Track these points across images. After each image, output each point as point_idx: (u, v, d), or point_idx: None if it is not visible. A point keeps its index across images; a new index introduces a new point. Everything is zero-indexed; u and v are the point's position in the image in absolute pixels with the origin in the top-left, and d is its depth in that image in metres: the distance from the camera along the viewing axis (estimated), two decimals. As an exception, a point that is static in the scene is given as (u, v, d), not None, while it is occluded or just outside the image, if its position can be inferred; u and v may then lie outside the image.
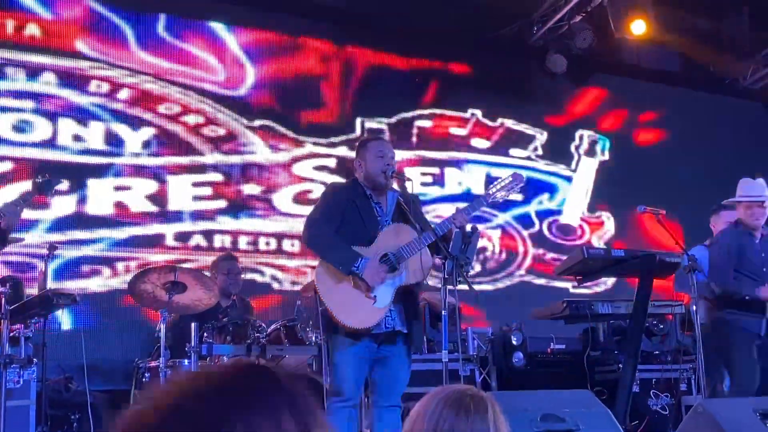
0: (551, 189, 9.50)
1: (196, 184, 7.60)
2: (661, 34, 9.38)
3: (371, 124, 8.61)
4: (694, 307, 5.47)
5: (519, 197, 9.00)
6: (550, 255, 9.21)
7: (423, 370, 6.36)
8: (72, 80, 7.21)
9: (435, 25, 8.83)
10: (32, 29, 7.13)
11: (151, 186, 7.39)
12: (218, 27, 8.03)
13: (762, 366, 5.64)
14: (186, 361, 5.33)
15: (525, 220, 9.25)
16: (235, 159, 7.84)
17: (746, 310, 5.62)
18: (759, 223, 5.71)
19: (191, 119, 7.68)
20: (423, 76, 9.08)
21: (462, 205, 4.75)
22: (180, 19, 7.86)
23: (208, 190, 7.66)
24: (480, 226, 8.14)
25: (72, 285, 6.76)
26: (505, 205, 8.92)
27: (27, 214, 5.73)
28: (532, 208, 9.30)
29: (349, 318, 4.28)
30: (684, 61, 10.81)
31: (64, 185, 5.41)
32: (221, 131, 7.81)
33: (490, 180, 8.97)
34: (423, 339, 4.55)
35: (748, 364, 5.63)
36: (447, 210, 8.42)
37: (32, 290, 6.01)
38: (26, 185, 6.63)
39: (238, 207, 7.77)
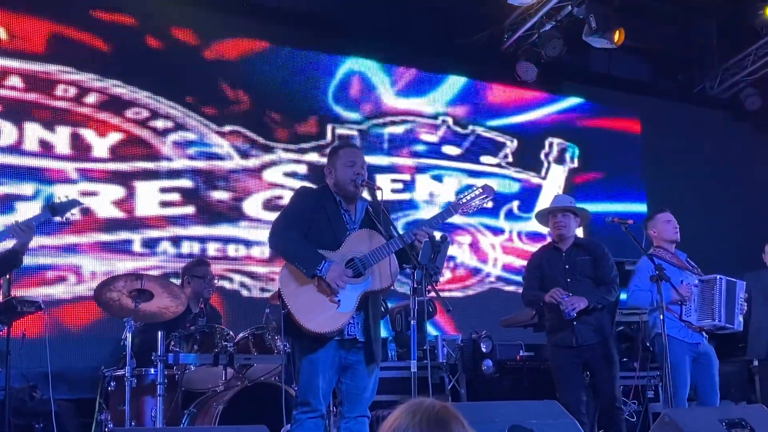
0: (521, 196, 9.53)
1: (164, 190, 7.54)
2: (630, 42, 9.46)
3: (342, 130, 8.59)
4: (662, 316, 5.52)
5: (489, 205, 9.00)
6: (519, 262, 9.23)
7: (392, 377, 6.37)
8: (38, 84, 7.12)
9: (406, 32, 8.84)
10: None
11: (118, 192, 7.31)
12: (188, 32, 7.98)
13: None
14: (152, 370, 5.28)
15: (495, 228, 9.27)
16: (204, 165, 7.78)
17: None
18: (562, 233, 5.81)
19: (160, 124, 7.61)
20: (394, 83, 9.08)
21: (432, 213, 4.72)
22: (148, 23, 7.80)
23: (176, 196, 7.59)
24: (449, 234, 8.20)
25: (37, 292, 6.66)
26: (475, 213, 8.91)
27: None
28: (501, 216, 9.33)
29: (311, 321, 4.22)
30: (653, 70, 10.92)
31: (77, 210, 5.33)
32: (191, 136, 7.76)
33: (460, 187, 9.00)
34: (379, 349, 4.47)
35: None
36: (417, 218, 8.44)
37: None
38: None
39: (207, 213, 7.70)
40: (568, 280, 5.70)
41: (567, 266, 5.76)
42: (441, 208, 4.86)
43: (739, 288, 6.03)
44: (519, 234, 9.40)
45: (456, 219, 8.69)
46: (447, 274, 8.68)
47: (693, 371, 5.88)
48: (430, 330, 8.21)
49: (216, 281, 6.42)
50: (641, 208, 10.09)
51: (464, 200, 4.66)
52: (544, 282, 5.79)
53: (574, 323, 5.62)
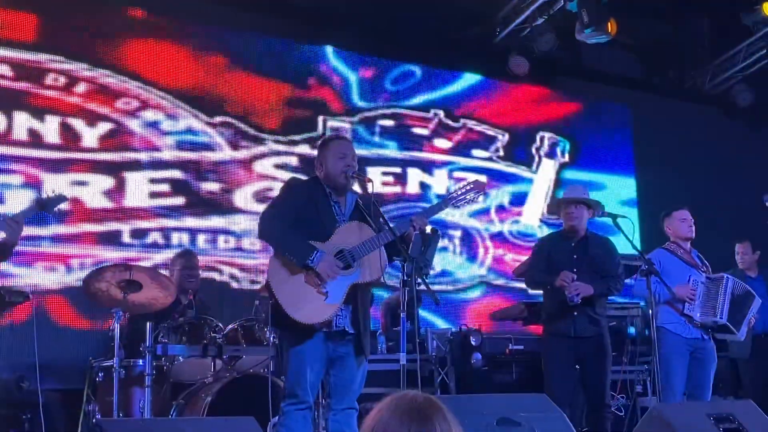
0: (512, 190, 9.52)
1: (153, 181, 7.51)
2: (622, 37, 9.45)
3: (333, 122, 8.57)
4: (651, 311, 5.53)
5: (479, 200, 8.99)
6: (510, 256, 9.24)
7: (381, 370, 6.37)
8: (28, 73, 7.07)
9: (398, 25, 8.81)
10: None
11: (107, 182, 7.28)
12: (181, 23, 7.95)
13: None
14: (141, 361, 5.27)
15: (485, 221, 9.27)
16: (194, 156, 7.75)
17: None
18: (573, 225, 5.77)
19: (150, 115, 7.57)
20: (386, 75, 9.05)
21: (423, 206, 4.74)
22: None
23: (166, 187, 7.56)
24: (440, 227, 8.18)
25: (25, 282, 6.64)
26: (465, 206, 8.90)
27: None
28: (492, 209, 9.32)
29: (298, 312, 4.23)
30: (644, 65, 10.92)
31: (66, 204, 5.33)
32: (181, 127, 7.72)
33: (452, 180, 9.00)
34: (368, 342, 4.47)
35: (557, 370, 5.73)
36: (408, 210, 8.43)
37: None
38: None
39: (197, 204, 7.67)
40: (575, 270, 5.63)
41: (575, 256, 5.72)
42: (432, 202, 4.86)
43: (755, 303, 6.07)
44: (509, 228, 9.39)
45: (446, 213, 8.73)
46: (437, 267, 8.66)
47: (689, 366, 5.89)
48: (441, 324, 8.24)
49: (199, 273, 6.35)
50: (632, 202, 10.12)
51: (455, 194, 4.69)
52: (550, 269, 5.73)
53: (575, 313, 5.59)
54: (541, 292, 6.08)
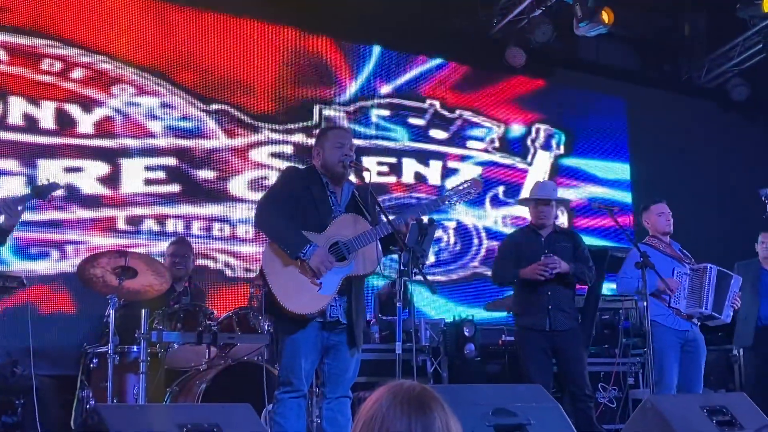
0: (506, 182, 9.53)
1: (149, 168, 7.49)
2: (619, 30, 9.45)
3: (329, 111, 8.56)
4: (645, 303, 5.55)
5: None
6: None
7: (374, 359, 6.40)
8: (23, 57, 7.04)
9: (396, 15, 8.79)
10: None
11: (102, 168, 7.26)
12: (178, 10, 7.92)
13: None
14: (135, 348, 5.26)
15: (480, 212, 9.28)
16: (190, 143, 7.73)
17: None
18: (544, 222, 5.87)
19: (146, 101, 7.55)
20: (383, 65, 9.04)
21: (418, 197, 4.73)
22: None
23: (161, 174, 7.55)
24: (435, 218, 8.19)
25: (20, 268, 6.62)
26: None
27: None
28: (487, 201, 9.33)
29: (290, 302, 4.24)
30: (640, 58, 10.93)
31: (60, 192, 5.34)
32: (176, 114, 7.70)
33: (447, 171, 9.01)
34: (361, 333, 4.48)
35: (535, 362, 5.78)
36: (403, 201, 8.44)
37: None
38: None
39: (192, 192, 7.66)
40: None
41: (547, 251, 5.77)
42: (428, 198, 4.87)
43: (735, 282, 6.07)
44: (504, 219, 9.41)
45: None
46: (431, 258, 8.67)
47: (680, 358, 5.92)
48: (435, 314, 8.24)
49: (190, 260, 6.32)
50: (627, 194, 10.14)
51: (451, 194, 4.68)
52: (521, 264, 5.79)
53: (549, 308, 5.64)
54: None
